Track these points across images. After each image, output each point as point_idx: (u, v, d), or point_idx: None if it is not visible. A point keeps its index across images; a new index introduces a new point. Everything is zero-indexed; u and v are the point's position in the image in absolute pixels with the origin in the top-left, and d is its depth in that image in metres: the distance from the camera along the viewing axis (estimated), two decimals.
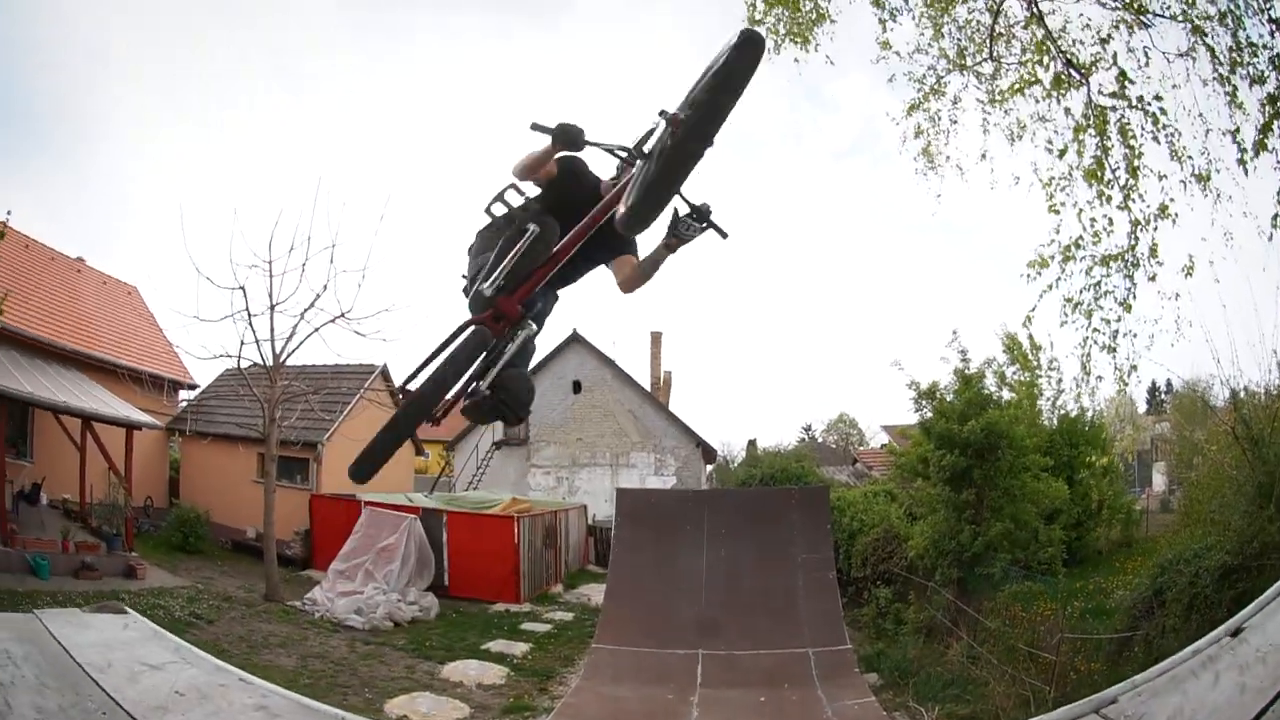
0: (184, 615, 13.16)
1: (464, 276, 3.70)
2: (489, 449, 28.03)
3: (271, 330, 16.76)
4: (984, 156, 9.70)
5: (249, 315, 16.58)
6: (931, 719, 10.24)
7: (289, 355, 17.04)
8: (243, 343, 16.82)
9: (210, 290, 32.93)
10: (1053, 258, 9.16)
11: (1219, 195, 8.25)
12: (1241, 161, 7.90)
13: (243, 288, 16.54)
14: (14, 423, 16.67)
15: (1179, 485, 17.75)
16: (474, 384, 3.50)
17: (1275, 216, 7.90)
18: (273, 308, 16.69)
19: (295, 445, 19.92)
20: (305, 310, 16.76)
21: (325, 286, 16.92)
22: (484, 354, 3.43)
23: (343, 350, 25.01)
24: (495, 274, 3.32)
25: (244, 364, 17.01)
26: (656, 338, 31.45)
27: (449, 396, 3.46)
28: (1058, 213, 9.15)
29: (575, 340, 28.83)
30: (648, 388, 29.67)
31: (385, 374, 24.42)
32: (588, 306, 74.81)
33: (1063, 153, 9.08)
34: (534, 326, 3.54)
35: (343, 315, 16.69)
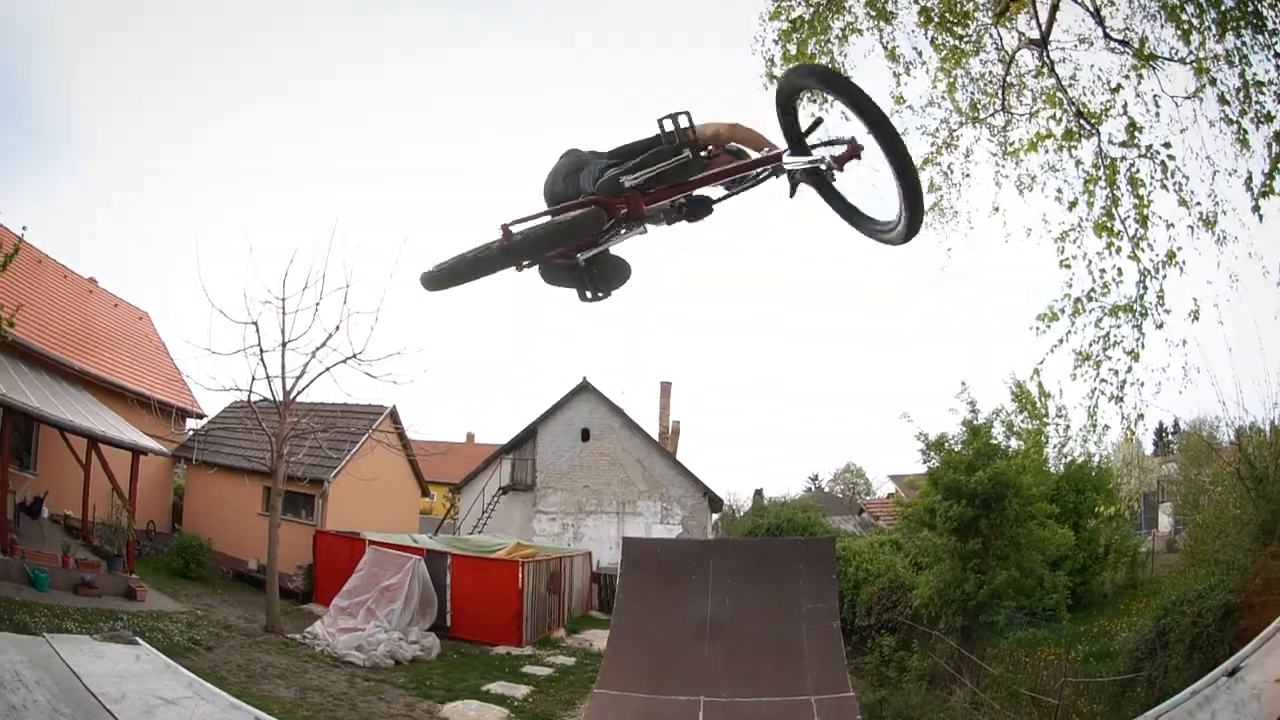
0: (183, 640, 13.13)
1: (588, 165, 3.75)
2: (495, 493, 28.05)
3: (283, 367, 17.00)
4: (996, 209, 9.79)
5: (260, 350, 16.82)
6: None
7: (299, 392, 17.21)
8: (254, 378, 17.02)
9: (221, 322, 33.04)
10: (1063, 311, 9.21)
11: (1224, 238, 8.33)
12: (1256, 208, 7.94)
13: (255, 323, 16.79)
14: (19, 434, 16.67)
15: (1184, 526, 17.53)
16: (574, 254, 3.62)
17: None
18: (284, 344, 16.93)
19: (302, 481, 19.88)
20: (317, 349, 17.05)
21: (338, 327, 17.12)
22: (595, 232, 3.54)
23: (353, 390, 25.19)
24: (641, 173, 3.46)
25: (254, 398, 17.15)
26: (666, 388, 31.68)
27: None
28: (1069, 267, 9.21)
29: (585, 389, 29.05)
30: (656, 437, 29.72)
31: (394, 415, 24.57)
32: (599, 356, 74.87)
33: (1073, 205, 9.15)
34: (646, 228, 3.70)
35: (354, 356, 16.99)
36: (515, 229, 3.42)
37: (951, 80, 9.69)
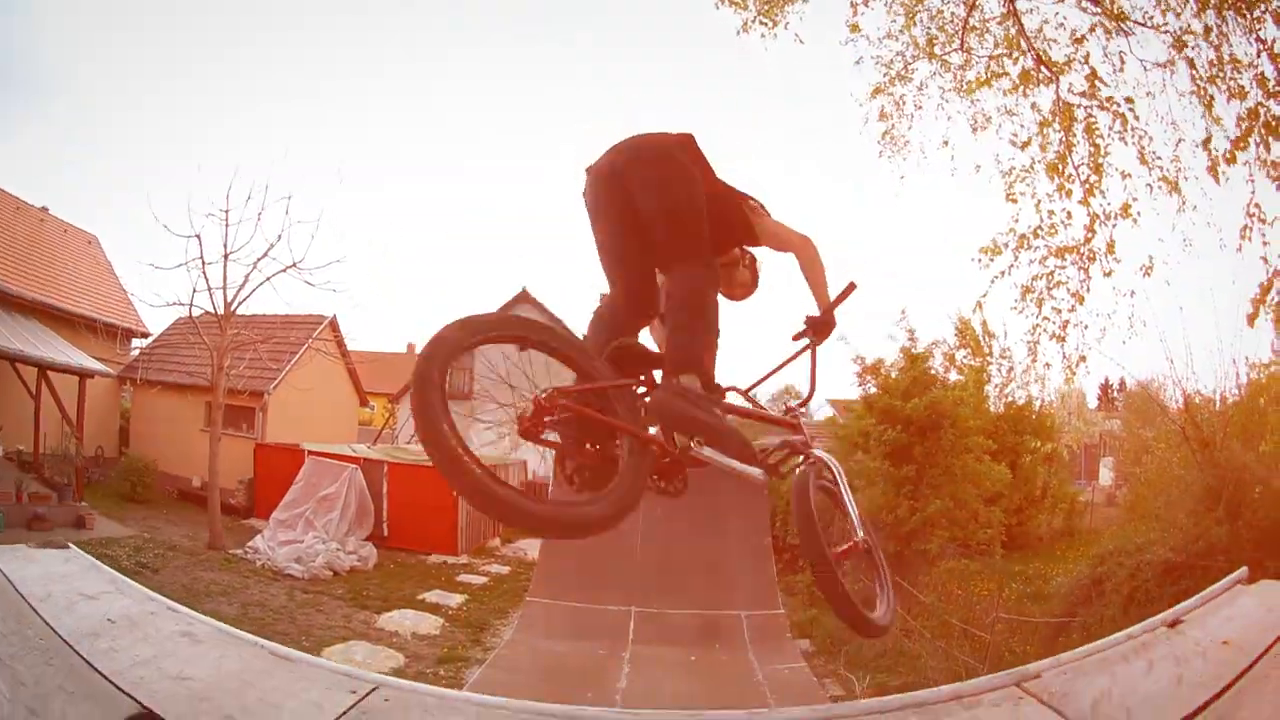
0: (130, 565, 13.03)
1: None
2: None
3: (224, 279, 16.90)
4: (946, 143, 9.72)
5: (203, 263, 16.73)
6: (862, 688, 10.33)
7: (240, 304, 17.12)
8: (194, 290, 17.00)
9: (167, 241, 32.57)
10: (1006, 245, 9.19)
11: (1184, 204, 8.31)
12: (1213, 167, 7.94)
13: (198, 236, 16.76)
14: None
15: (1126, 482, 17.74)
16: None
17: (1244, 228, 7.99)
18: (226, 256, 16.84)
19: (242, 394, 19.72)
20: (259, 260, 16.96)
21: (280, 236, 17.71)
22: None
23: (293, 300, 25.09)
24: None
25: (196, 312, 17.09)
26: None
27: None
28: (1015, 201, 9.18)
29: (524, 299, 28.55)
30: None
31: (334, 325, 24.27)
32: (538, 264, 74.42)
33: (1026, 144, 9.09)
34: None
35: (294, 265, 17.01)
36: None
37: (910, 14, 9.55)
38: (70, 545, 3.39)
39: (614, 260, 3.31)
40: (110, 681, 1.88)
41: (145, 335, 23.73)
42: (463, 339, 2.64)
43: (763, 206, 3.43)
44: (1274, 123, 7.64)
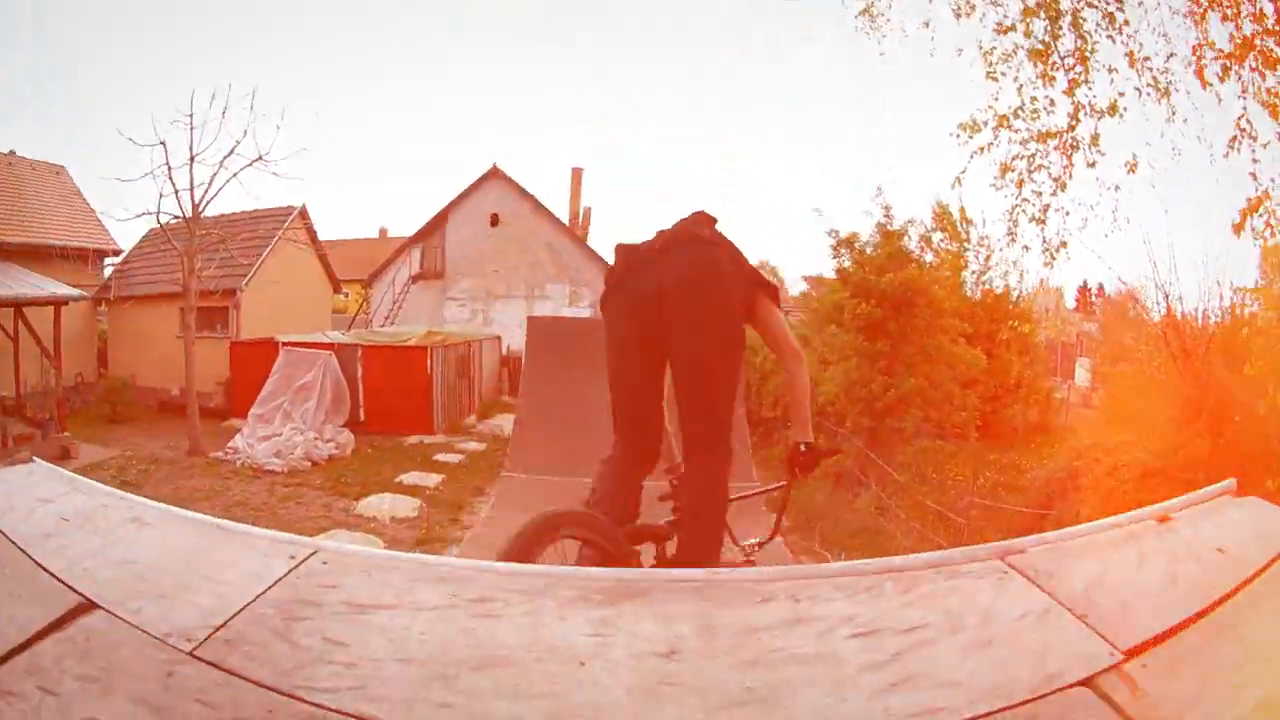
0: (114, 485, 13.06)
1: None
2: (405, 283, 27.41)
3: (191, 181, 16.78)
4: (927, 25, 9.39)
5: (169, 168, 16.58)
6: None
7: (208, 203, 17.03)
8: (161, 194, 16.81)
9: (136, 156, 32.02)
10: (986, 123, 8.98)
11: (1174, 114, 8.12)
12: (1200, 72, 7.74)
13: (163, 143, 16.53)
14: None
15: (1103, 383, 17.65)
16: None
17: (1233, 139, 7.82)
18: (192, 159, 16.72)
19: (215, 294, 19.67)
20: (225, 157, 16.82)
21: (245, 131, 17.03)
22: None
23: (262, 194, 24.95)
24: None
25: (165, 220, 17.09)
26: (577, 174, 30.46)
27: None
28: (996, 80, 8.92)
29: (495, 175, 27.96)
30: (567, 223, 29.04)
31: (304, 214, 24.16)
32: (509, 141, 73.56)
33: (1009, 29, 8.78)
34: None
35: (260, 159, 16.83)
36: None
37: None
38: (34, 459, 3.38)
39: (631, 399, 3.14)
40: (57, 578, 1.85)
41: (118, 253, 23.59)
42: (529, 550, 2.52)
43: (778, 290, 3.26)
44: (1268, 54, 7.46)
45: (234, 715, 1.44)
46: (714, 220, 3.09)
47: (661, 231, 3.07)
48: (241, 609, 1.69)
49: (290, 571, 1.85)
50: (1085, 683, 1.50)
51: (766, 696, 1.49)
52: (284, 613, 1.70)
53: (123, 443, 17.05)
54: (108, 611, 1.67)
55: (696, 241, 3.00)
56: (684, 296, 2.89)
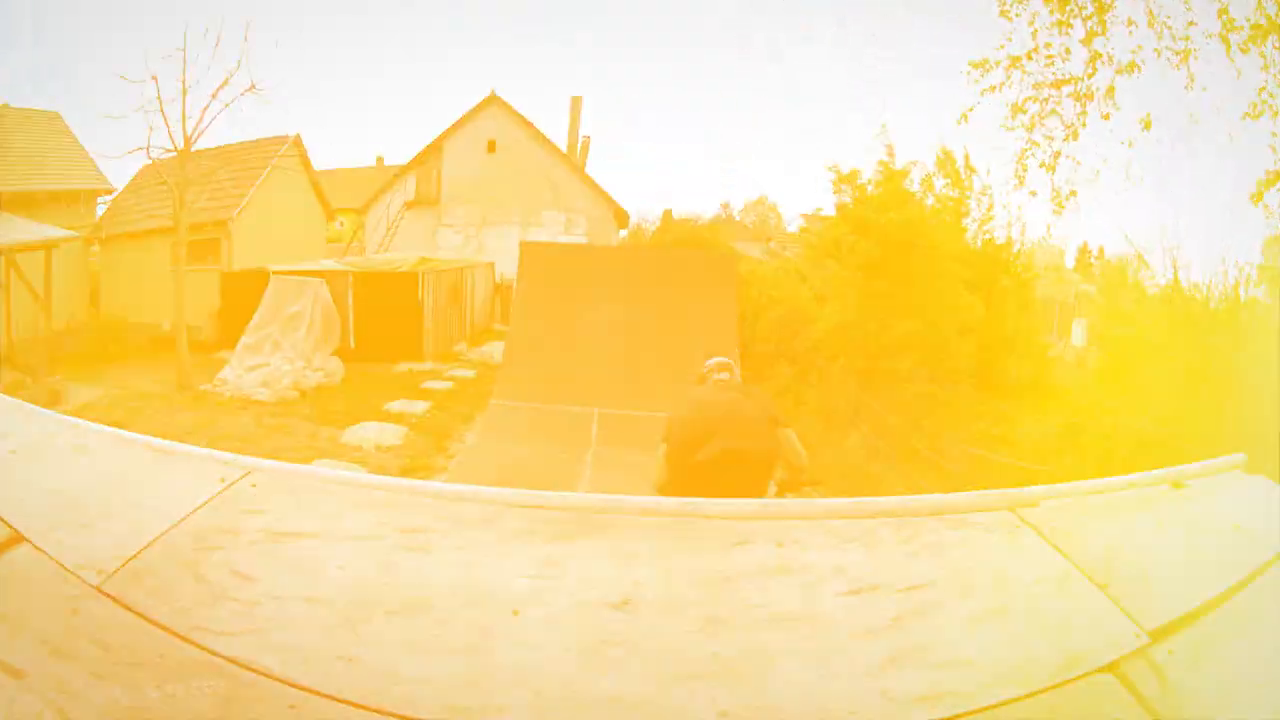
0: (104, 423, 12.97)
1: None
2: (399, 209, 27.44)
3: (183, 113, 16.76)
4: None
5: (160, 102, 16.56)
6: None
7: (200, 133, 17.00)
8: (151, 129, 16.81)
9: (126, 92, 31.82)
10: (998, 64, 8.72)
11: (1193, 82, 7.89)
12: (1224, 38, 7.48)
13: (155, 77, 16.49)
14: None
15: (1101, 345, 17.34)
16: None
17: (1253, 104, 7.58)
18: (185, 92, 16.69)
19: (207, 225, 19.53)
20: (218, 89, 16.77)
21: (238, 63, 16.85)
22: None
23: (255, 120, 24.83)
24: None
25: (156, 154, 17.13)
26: (576, 102, 30.26)
27: None
28: (1010, 20, 8.66)
29: (492, 101, 27.18)
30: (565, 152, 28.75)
31: (298, 142, 23.75)
32: (507, 68, 72.45)
33: None
34: None
35: (252, 87, 16.81)
36: None
37: None
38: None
39: None
40: None
41: (111, 192, 23.24)
42: None
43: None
44: None
45: (128, 659, 1.36)
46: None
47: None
48: (156, 538, 1.62)
49: (216, 495, 1.78)
50: (1110, 668, 1.37)
51: (735, 666, 1.32)
52: (199, 542, 1.62)
53: (113, 381, 16.87)
54: (31, 544, 1.62)
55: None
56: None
